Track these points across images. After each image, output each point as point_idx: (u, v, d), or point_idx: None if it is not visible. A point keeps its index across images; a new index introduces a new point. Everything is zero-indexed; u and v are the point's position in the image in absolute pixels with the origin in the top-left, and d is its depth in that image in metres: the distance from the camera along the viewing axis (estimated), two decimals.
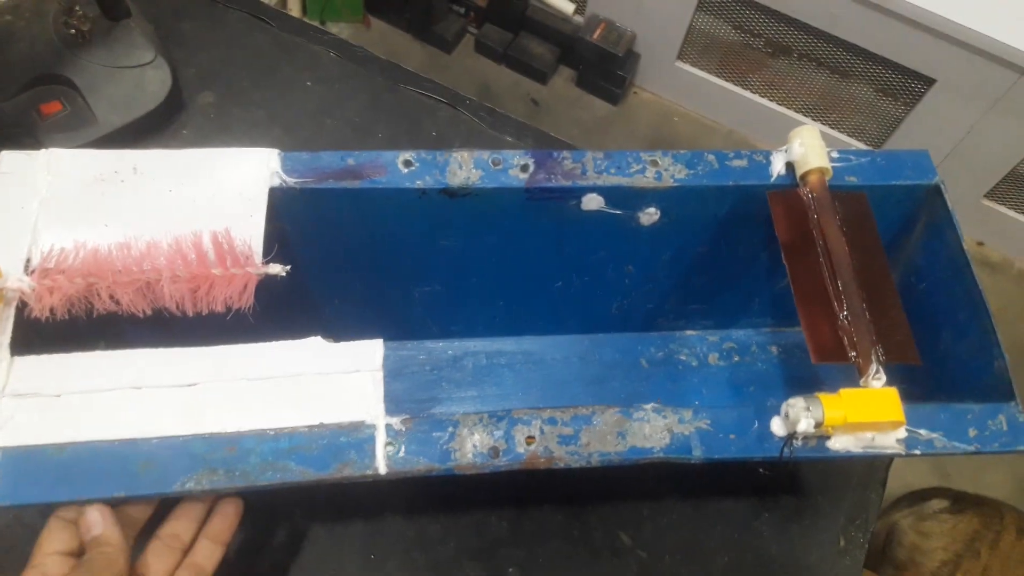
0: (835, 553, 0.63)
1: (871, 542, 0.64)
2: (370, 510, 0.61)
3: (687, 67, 1.80)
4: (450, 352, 0.68)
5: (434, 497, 0.62)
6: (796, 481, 0.65)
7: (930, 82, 1.51)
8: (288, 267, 0.51)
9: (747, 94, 1.77)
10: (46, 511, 0.58)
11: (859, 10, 1.45)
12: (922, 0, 1.39)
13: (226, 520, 0.50)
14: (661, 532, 0.63)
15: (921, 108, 1.56)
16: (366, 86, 0.80)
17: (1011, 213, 1.69)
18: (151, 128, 0.74)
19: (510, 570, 0.61)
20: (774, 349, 0.70)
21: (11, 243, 0.50)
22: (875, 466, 0.66)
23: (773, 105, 1.75)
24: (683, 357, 0.70)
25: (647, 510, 0.63)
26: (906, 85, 1.55)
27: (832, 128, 1.71)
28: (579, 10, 1.85)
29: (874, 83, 1.60)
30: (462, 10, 1.93)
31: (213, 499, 0.50)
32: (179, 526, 0.49)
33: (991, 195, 1.67)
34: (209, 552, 0.49)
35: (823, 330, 0.53)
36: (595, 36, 1.78)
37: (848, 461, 0.66)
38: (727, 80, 1.78)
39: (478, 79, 1.90)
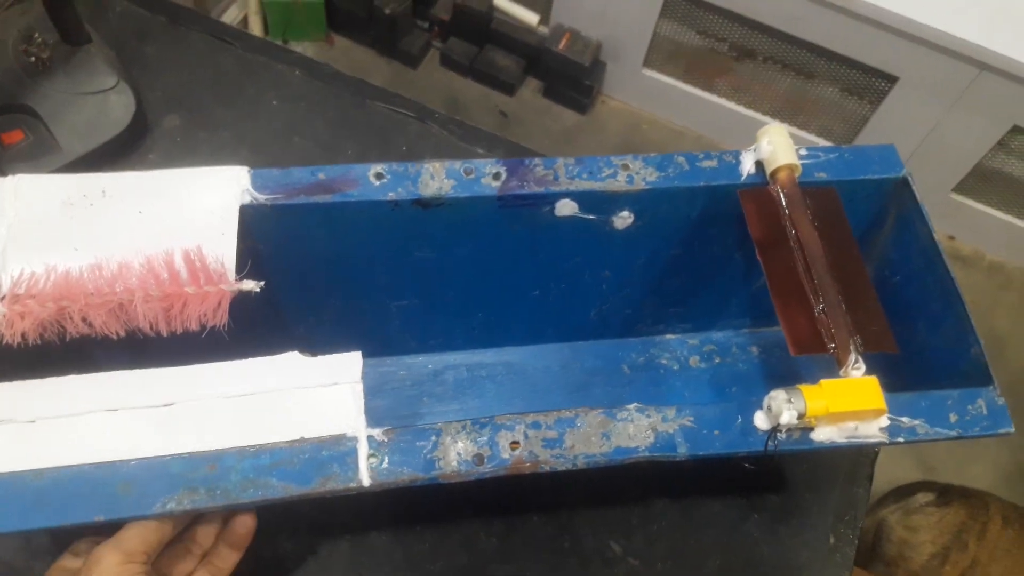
0: (825, 551, 0.63)
1: (860, 539, 0.64)
2: (356, 530, 0.60)
3: (653, 74, 1.81)
4: (430, 366, 0.67)
5: (421, 514, 0.61)
6: (783, 480, 0.65)
7: (893, 80, 1.53)
8: (262, 283, 0.51)
9: (714, 98, 1.78)
10: (27, 548, 0.58)
11: (820, 11, 1.47)
12: (883, 0, 1.41)
13: (244, 528, 0.50)
14: (651, 539, 0.62)
15: (886, 106, 1.58)
16: (333, 103, 0.80)
17: (979, 206, 1.72)
18: (117, 153, 0.73)
19: None
20: (754, 349, 0.71)
21: None
22: (860, 461, 0.66)
23: (740, 108, 1.77)
24: (664, 361, 0.70)
25: (636, 517, 0.63)
26: (870, 84, 1.58)
27: (800, 129, 1.73)
28: (543, 21, 1.86)
29: (839, 83, 1.62)
30: (426, 25, 1.93)
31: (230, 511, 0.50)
32: (200, 532, 0.49)
33: (959, 189, 1.69)
34: (226, 556, 0.50)
35: (800, 323, 0.54)
36: (561, 46, 1.79)
37: (833, 458, 0.67)
38: (694, 85, 1.79)
39: (445, 93, 1.90)
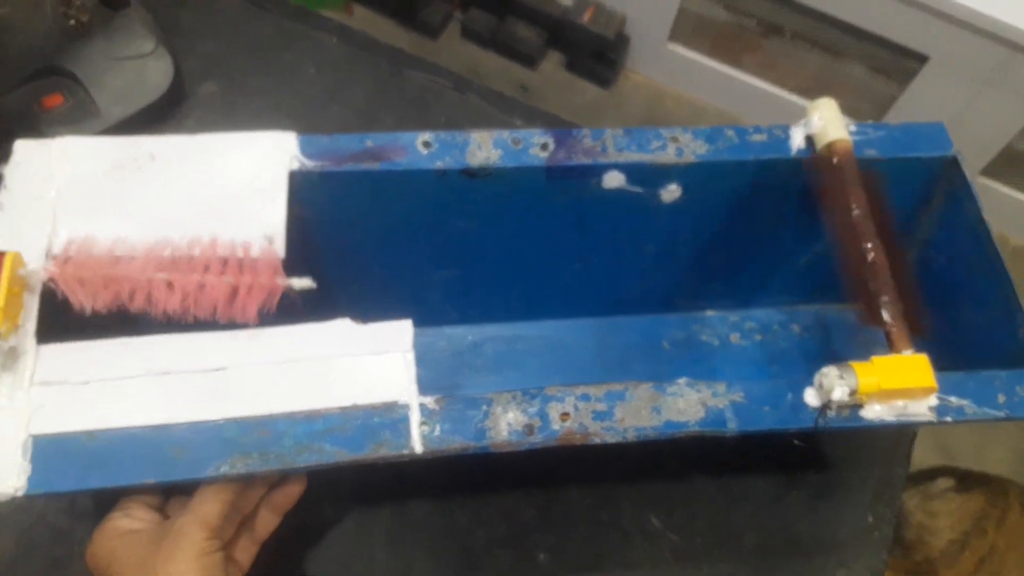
0: (864, 529, 0.63)
1: None
2: (396, 498, 0.61)
3: (679, 49, 1.79)
4: (470, 338, 0.67)
5: (462, 485, 0.61)
6: (822, 458, 0.65)
7: (923, 59, 1.51)
8: (314, 284, 0.51)
9: (740, 75, 1.76)
10: (71, 510, 0.58)
11: None
12: None
13: (288, 495, 0.51)
14: (691, 514, 0.62)
15: (915, 86, 1.56)
16: (371, 72, 0.79)
17: (1006, 190, 1.70)
18: (154, 119, 0.73)
19: (540, 556, 0.60)
20: (795, 327, 0.70)
21: (31, 232, 0.49)
22: (899, 440, 0.66)
23: (766, 86, 1.75)
24: (704, 338, 0.69)
25: (676, 493, 0.63)
26: (899, 63, 1.56)
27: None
28: None
29: (867, 62, 1.60)
30: None
31: (279, 476, 0.51)
32: (243, 497, 0.49)
33: (986, 172, 1.67)
34: (267, 521, 0.51)
35: (866, 296, 0.53)
36: (584, 19, 1.77)
37: (872, 437, 0.67)
38: (720, 61, 1.77)
39: (466, 65, 1.89)
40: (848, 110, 1.73)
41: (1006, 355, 0.56)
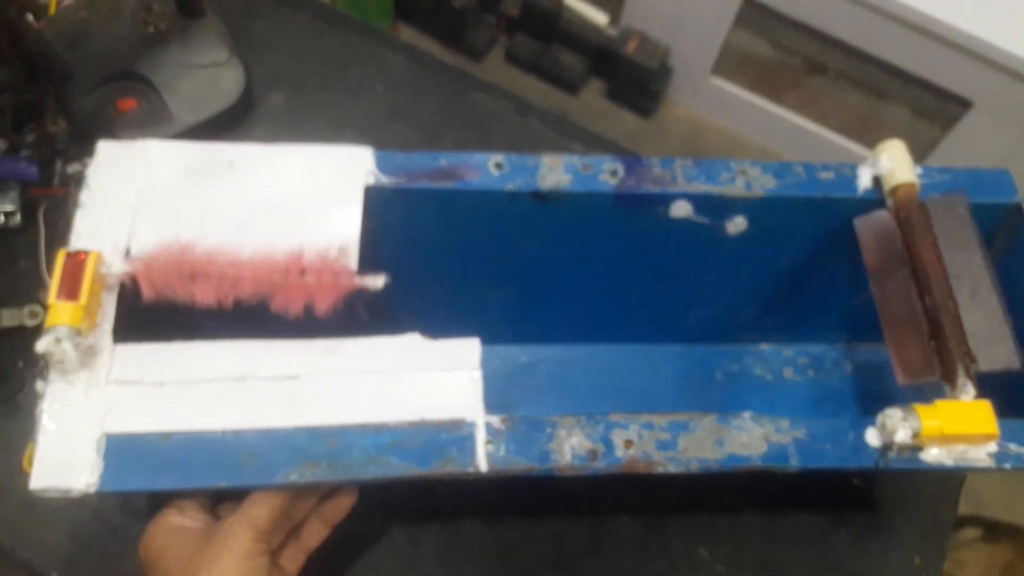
0: (911, 571, 0.63)
1: None
2: (448, 515, 0.61)
3: (721, 82, 1.80)
4: (524, 358, 0.68)
5: (512, 506, 0.62)
6: (871, 498, 0.65)
7: (967, 104, 1.51)
8: (386, 280, 0.51)
9: (781, 111, 1.77)
10: (124, 508, 0.59)
11: (897, 30, 1.46)
12: (961, 22, 1.40)
13: (339, 506, 0.51)
14: (739, 546, 0.62)
15: (957, 131, 1.56)
16: (434, 91, 0.81)
17: None
18: (223, 127, 0.75)
19: None
20: (848, 365, 0.70)
21: (110, 232, 0.50)
22: (948, 484, 0.66)
23: (807, 124, 1.76)
24: (758, 371, 0.69)
25: (725, 524, 0.63)
26: (942, 107, 1.56)
27: (867, 148, 1.72)
28: (613, 21, 1.86)
29: (910, 105, 1.60)
30: (493, 19, 1.93)
31: (332, 487, 0.51)
32: (295, 506, 0.50)
33: None
34: (316, 531, 0.51)
35: (910, 350, 0.54)
36: (629, 49, 1.78)
37: (921, 479, 0.66)
38: (761, 97, 1.78)
39: (507, 89, 1.90)
40: None
41: None
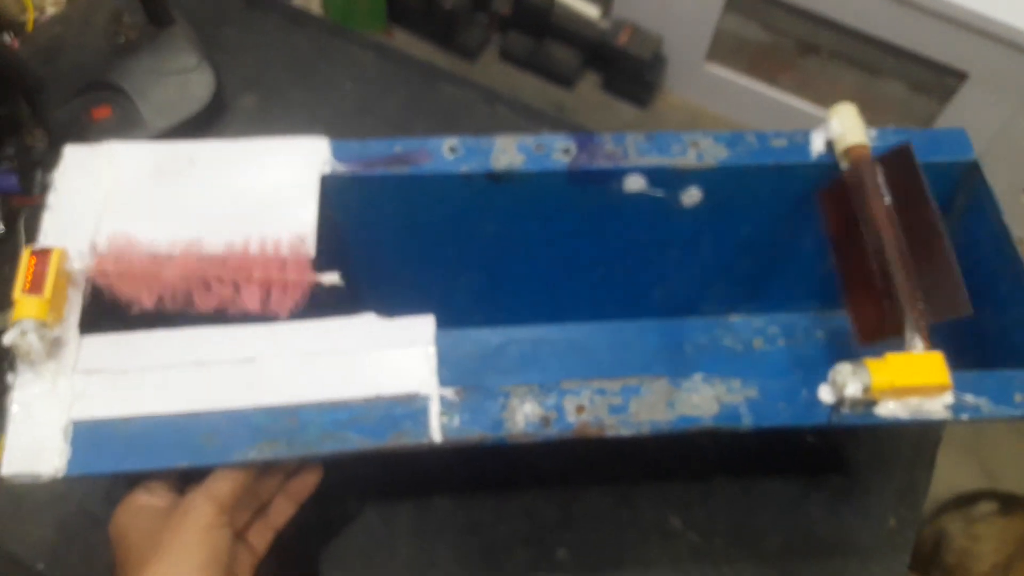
0: (886, 533, 0.63)
1: (919, 547, 0.64)
2: (420, 494, 0.62)
3: (716, 68, 1.80)
4: (494, 339, 0.69)
5: (483, 481, 0.63)
6: (844, 461, 0.65)
7: (963, 77, 1.50)
8: (341, 280, 0.53)
9: (777, 94, 1.77)
10: (110, 499, 0.61)
11: (888, 5, 1.45)
12: None
13: (305, 483, 0.53)
14: (711, 514, 0.63)
15: (955, 104, 1.55)
16: (404, 85, 0.82)
17: None
18: (196, 130, 0.76)
19: (560, 553, 0.61)
20: (820, 333, 0.70)
21: (77, 231, 0.52)
22: (923, 445, 0.66)
23: (804, 104, 1.75)
24: (728, 342, 0.70)
25: (696, 492, 0.64)
26: (938, 81, 1.55)
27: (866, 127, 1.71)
28: (605, 14, 1.87)
29: (906, 80, 1.59)
30: (485, 18, 1.95)
31: (297, 464, 0.53)
32: (260, 484, 0.51)
33: None
34: (283, 509, 0.52)
35: (868, 313, 0.54)
36: (621, 40, 1.79)
37: (895, 441, 0.66)
38: (757, 81, 1.78)
39: (503, 86, 1.92)
40: (888, 127, 1.73)
41: None
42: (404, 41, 1.99)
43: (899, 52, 1.54)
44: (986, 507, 1.39)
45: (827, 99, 1.73)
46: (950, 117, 1.57)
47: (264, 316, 0.52)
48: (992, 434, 1.52)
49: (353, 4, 1.89)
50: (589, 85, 1.93)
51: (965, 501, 1.38)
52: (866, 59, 1.60)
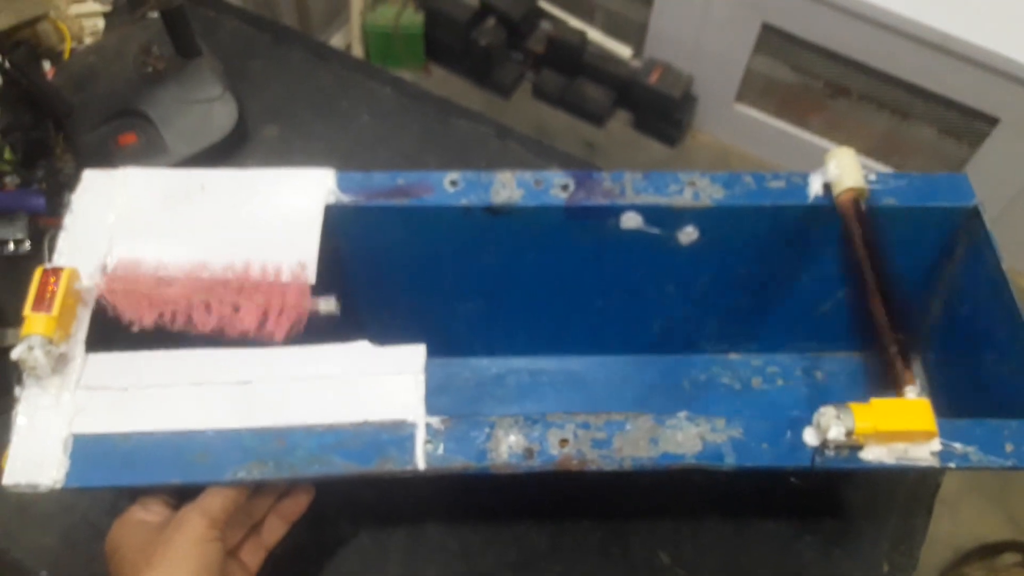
0: None
1: None
2: (413, 520, 0.63)
3: (745, 109, 1.81)
4: (493, 369, 0.70)
5: (475, 510, 0.63)
6: (838, 504, 0.65)
7: (994, 122, 1.49)
8: (338, 306, 0.55)
9: (806, 135, 1.77)
10: (114, 511, 0.62)
11: (918, 50, 1.45)
12: (981, 39, 1.39)
13: (297, 504, 0.54)
14: (701, 551, 0.63)
15: (985, 149, 1.54)
16: (419, 120, 0.84)
17: None
18: (218, 157, 0.79)
19: None
20: (819, 374, 0.70)
21: (90, 252, 0.55)
22: (920, 492, 0.65)
23: (833, 146, 1.74)
24: (726, 380, 0.70)
25: (687, 529, 0.64)
26: (969, 125, 1.54)
27: (895, 170, 1.70)
28: (636, 54, 1.89)
29: (936, 124, 1.59)
30: (520, 56, 1.99)
31: (289, 485, 0.54)
32: (254, 504, 0.52)
33: None
34: (275, 528, 0.54)
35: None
36: (652, 79, 1.81)
37: (891, 486, 0.66)
38: (786, 121, 1.78)
39: (535, 122, 1.95)
40: (918, 172, 1.73)
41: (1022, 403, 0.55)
42: (441, 77, 2.03)
43: (929, 96, 1.53)
44: (1010, 558, 1.36)
45: (857, 141, 1.72)
46: (980, 162, 1.55)
47: (261, 338, 0.54)
48: (1019, 484, 1.49)
49: (393, 42, 1.95)
50: (620, 123, 1.95)
51: (989, 551, 1.35)
52: (896, 102, 1.60)
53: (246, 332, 0.53)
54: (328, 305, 0.55)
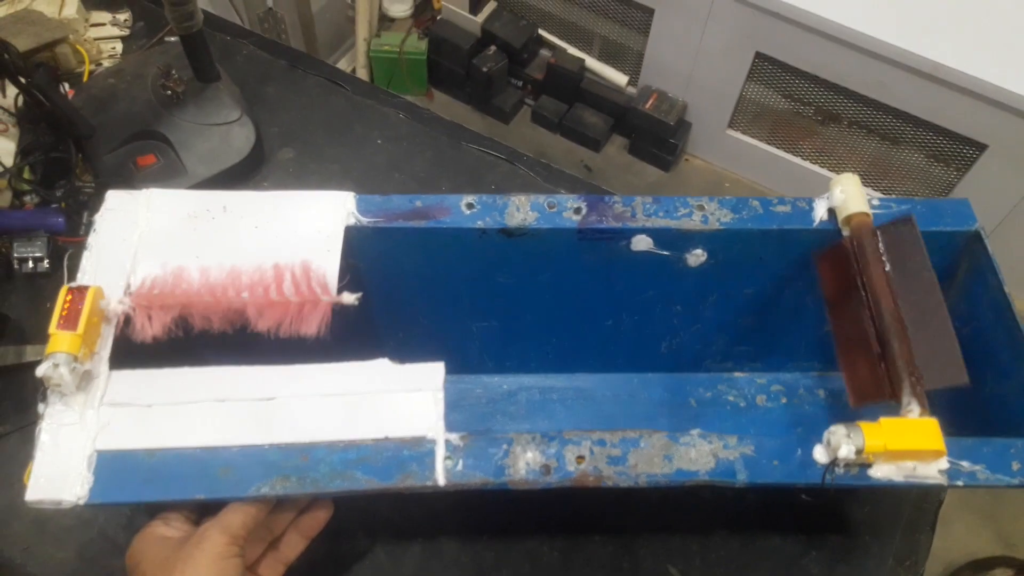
0: None
1: None
2: (428, 535, 0.64)
3: (738, 135, 1.84)
4: (505, 387, 0.71)
5: (488, 526, 0.64)
6: (844, 521, 0.66)
7: (982, 148, 1.53)
8: (359, 295, 0.56)
9: (798, 161, 1.80)
10: (131, 527, 0.63)
11: (908, 78, 1.48)
12: (971, 68, 1.42)
13: (316, 519, 0.54)
14: (709, 567, 0.64)
15: (973, 173, 1.57)
16: (431, 144, 0.86)
17: None
18: (236, 179, 0.81)
19: None
20: (821, 392, 0.72)
21: (114, 270, 0.56)
22: (924, 508, 0.67)
23: (824, 171, 1.78)
24: (731, 398, 0.72)
25: (696, 545, 0.65)
26: (957, 151, 1.57)
27: (884, 194, 1.72)
28: (632, 82, 1.92)
29: (925, 149, 1.62)
30: (520, 83, 2.02)
31: (309, 500, 0.54)
32: (274, 519, 0.53)
33: None
34: (294, 544, 0.54)
35: (863, 374, 0.56)
36: (647, 106, 1.84)
37: (896, 503, 0.67)
38: (778, 147, 1.82)
39: (534, 147, 1.97)
40: (906, 196, 1.75)
41: None
42: (443, 103, 2.06)
43: (918, 122, 1.56)
44: (1001, 574, 1.37)
45: (847, 167, 1.75)
46: (969, 186, 1.58)
47: (289, 336, 0.54)
48: (1011, 501, 1.50)
49: (397, 67, 1.97)
50: (616, 148, 1.98)
51: (981, 567, 1.36)
52: (886, 129, 1.63)
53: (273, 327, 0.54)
54: (350, 297, 0.56)
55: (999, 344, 0.60)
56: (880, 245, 0.59)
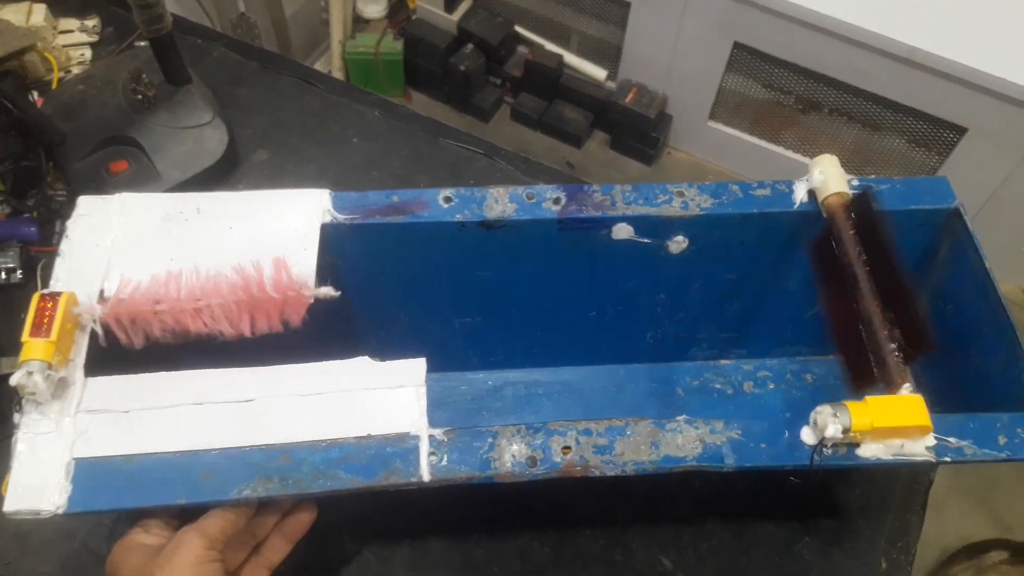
0: (878, 575, 0.63)
1: None
2: (416, 534, 0.63)
3: (719, 126, 1.84)
4: (490, 383, 0.70)
5: (477, 522, 0.64)
6: (835, 505, 0.66)
7: (962, 131, 1.53)
8: (339, 292, 0.55)
9: (780, 150, 1.80)
10: (113, 537, 0.62)
11: (886, 64, 1.49)
12: (950, 52, 1.42)
13: (300, 522, 0.53)
14: (702, 556, 0.63)
15: (954, 157, 1.57)
16: (408, 141, 0.85)
17: None
18: (210, 182, 0.80)
19: None
20: (809, 377, 0.72)
21: (87, 276, 0.55)
22: (915, 489, 0.66)
23: (806, 160, 1.77)
24: (718, 386, 0.71)
25: (688, 535, 0.64)
26: (938, 135, 1.58)
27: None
28: (611, 76, 1.92)
29: (906, 134, 1.62)
30: (498, 81, 2.01)
31: (292, 503, 0.53)
32: (257, 523, 0.52)
33: None
34: (278, 548, 0.53)
35: (859, 359, 0.55)
36: (627, 100, 1.84)
37: (886, 484, 0.67)
38: (759, 137, 1.82)
39: (515, 145, 1.96)
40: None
41: (1012, 399, 0.56)
42: (421, 103, 2.05)
43: (898, 108, 1.57)
44: (996, 556, 1.37)
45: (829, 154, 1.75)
46: (950, 170, 1.59)
47: (267, 333, 0.54)
48: (1004, 483, 1.51)
49: (373, 69, 1.96)
50: (597, 143, 1.98)
51: (976, 550, 1.37)
52: (866, 115, 1.63)
53: (246, 328, 0.53)
54: (326, 291, 0.55)
55: (982, 320, 0.60)
56: (851, 225, 0.59)
